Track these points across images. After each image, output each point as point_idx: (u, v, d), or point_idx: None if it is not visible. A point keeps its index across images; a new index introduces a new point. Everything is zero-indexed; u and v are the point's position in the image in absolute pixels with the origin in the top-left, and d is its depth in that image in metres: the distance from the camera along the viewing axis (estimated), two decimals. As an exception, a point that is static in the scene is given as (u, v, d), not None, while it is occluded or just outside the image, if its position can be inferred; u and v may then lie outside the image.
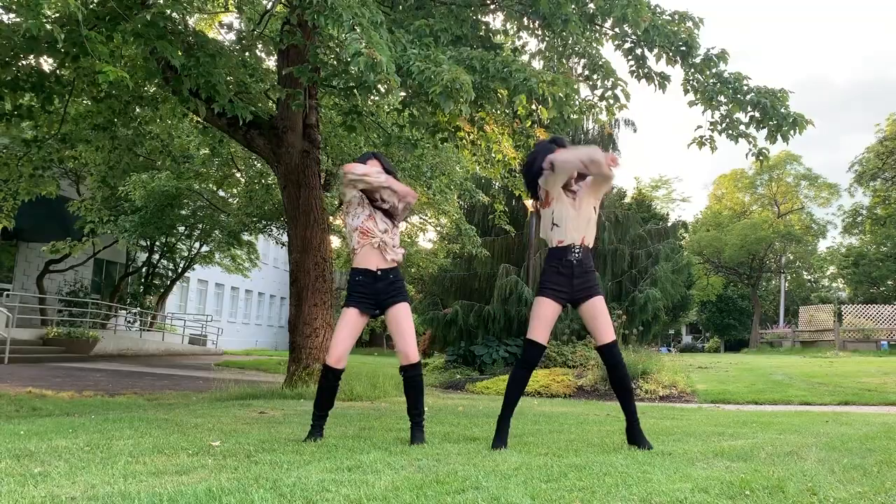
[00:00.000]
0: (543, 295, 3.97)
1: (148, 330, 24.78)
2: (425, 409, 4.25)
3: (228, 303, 36.00)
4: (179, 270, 25.92)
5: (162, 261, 25.60)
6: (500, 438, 3.95)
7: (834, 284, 51.21)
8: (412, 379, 4.13)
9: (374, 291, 4.10)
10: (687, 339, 55.82)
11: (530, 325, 4.00)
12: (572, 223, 4.00)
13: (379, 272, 4.12)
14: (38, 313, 20.52)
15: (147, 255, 24.82)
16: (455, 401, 8.75)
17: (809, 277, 52.83)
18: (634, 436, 3.99)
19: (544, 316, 3.96)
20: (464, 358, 15.95)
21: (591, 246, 4.08)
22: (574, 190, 4.09)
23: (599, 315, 3.97)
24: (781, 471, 3.05)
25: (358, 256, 4.14)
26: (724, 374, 13.62)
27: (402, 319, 4.09)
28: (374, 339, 35.74)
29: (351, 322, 4.08)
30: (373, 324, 26.10)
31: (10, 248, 21.41)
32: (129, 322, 24.79)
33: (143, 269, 25.55)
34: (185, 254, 25.12)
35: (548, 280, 3.99)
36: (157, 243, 23.97)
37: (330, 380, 4.11)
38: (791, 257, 47.32)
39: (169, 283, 26.37)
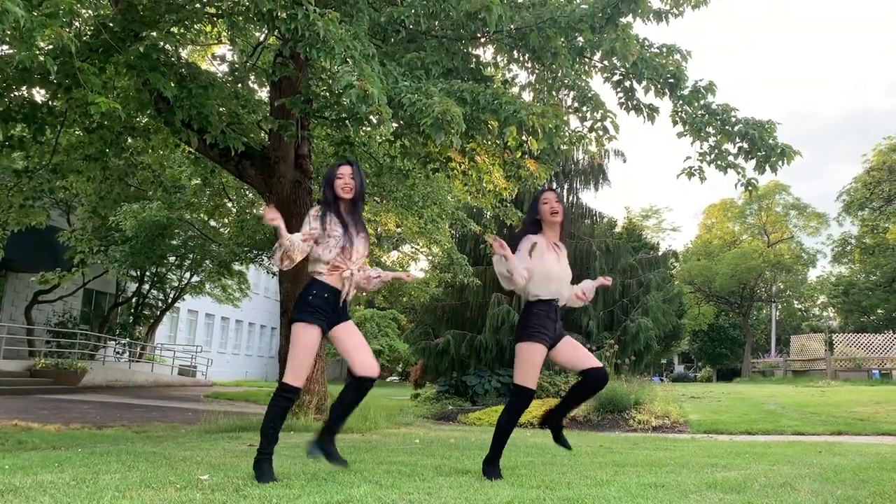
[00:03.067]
0: (537, 341, 3.97)
1: (137, 361, 24.56)
2: (416, 441, 4.21)
3: (218, 333, 35.76)
4: (169, 301, 25.76)
5: (152, 291, 25.44)
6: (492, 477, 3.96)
7: (825, 313, 51.44)
8: (364, 391, 3.94)
9: (335, 311, 3.92)
10: (679, 368, 55.74)
11: (524, 370, 3.98)
12: (555, 283, 4.08)
13: (341, 292, 3.96)
14: (26, 344, 20.32)
15: (137, 285, 24.68)
16: (447, 432, 8.67)
17: (800, 306, 53.04)
18: (558, 423, 4.23)
19: (537, 362, 4.00)
20: (456, 388, 15.84)
21: None
22: (557, 245, 4.20)
23: (576, 345, 4.11)
24: (775, 503, 3.03)
25: (326, 275, 3.96)
26: (717, 403, 13.57)
27: (357, 332, 3.97)
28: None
29: (315, 341, 3.87)
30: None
31: (-2, 279, 21.27)
32: (118, 353, 24.56)
33: (133, 300, 25.38)
34: (176, 284, 24.99)
35: (540, 326, 4.01)
36: (148, 273, 23.85)
37: (292, 401, 3.90)
38: (782, 286, 47.54)
39: (159, 313, 26.20)
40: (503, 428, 4.06)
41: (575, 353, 4.07)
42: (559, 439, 4.24)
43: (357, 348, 3.93)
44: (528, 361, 3.97)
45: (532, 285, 4.04)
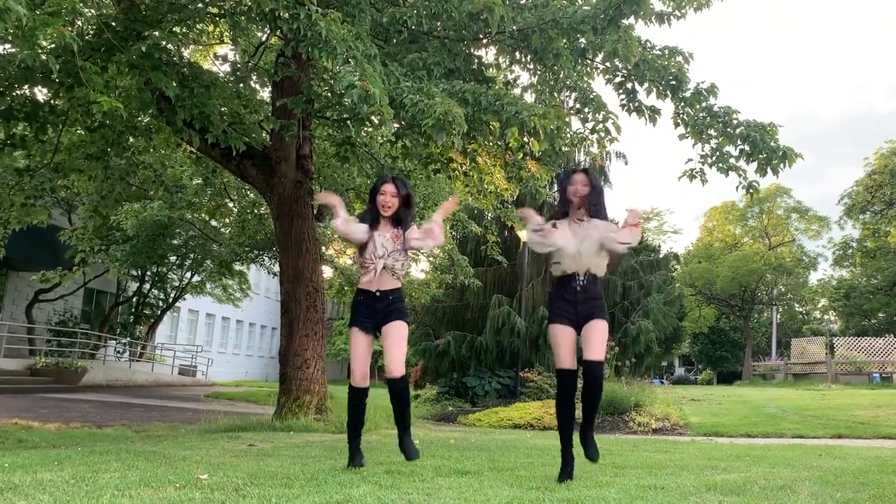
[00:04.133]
0: (553, 322, 4.05)
1: (137, 360, 24.56)
2: (416, 441, 4.23)
3: (219, 333, 35.77)
4: (170, 300, 25.76)
5: (153, 290, 25.44)
6: (566, 471, 3.95)
7: (825, 317, 51.37)
8: (397, 393, 4.22)
9: (372, 311, 4.19)
10: (679, 371, 55.70)
11: (554, 352, 4.08)
12: (572, 259, 4.05)
13: (378, 293, 4.20)
14: (27, 343, 20.33)
15: (138, 284, 24.68)
16: (447, 433, 8.67)
17: (801, 310, 52.98)
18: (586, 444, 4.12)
19: (561, 342, 4.02)
20: (456, 389, 15.84)
21: (599, 275, 4.12)
22: (581, 219, 4.12)
23: (593, 332, 3.98)
24: (775, 505, 3.03)
25: (361, 278, 4.29)
26: (717, 406, 13.56)
27: (395, 336, 4.16)
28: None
29: (360, 342, 4.20)
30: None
31: (-1, 278, 21.29)
32: (118, 352, 24.57)
33: (134, 299, 25.39)
34: (176, 283, 24.99)
35: (554, 306, 4.08)
36: (148, 273, 23.86)
37: (355, 399, 4.24)
38: (783, 289, 47.49)
39: (159, 312, 26.21)
40: (558, 412, 4.11)
41: (585, 338, 4.01)
42: (591, 455, 4.11)
43: (387, 350, 4.19)
44: (554, 344, 4.06)
45: (555, 266, 4.12)
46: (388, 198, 4.21)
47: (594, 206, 4.13)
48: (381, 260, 4.17)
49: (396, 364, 4.14)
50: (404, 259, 4.26)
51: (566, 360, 4.01)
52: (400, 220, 4.28)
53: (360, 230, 4.25)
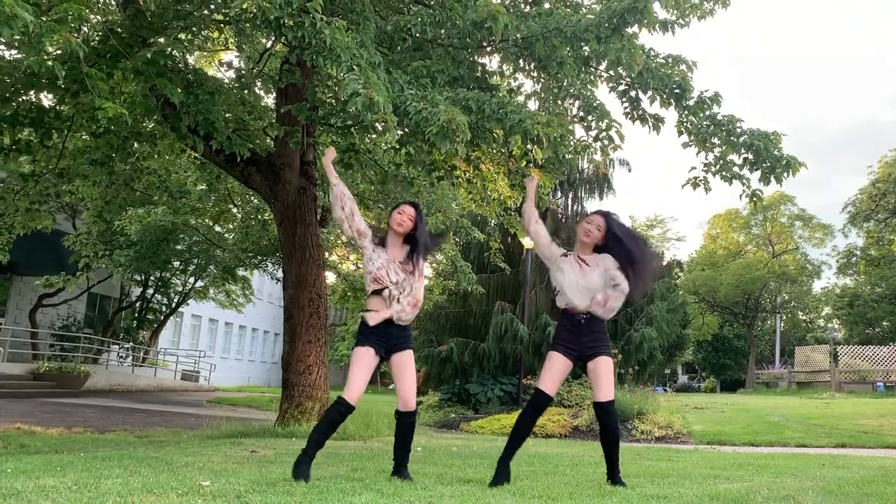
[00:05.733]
0: (555, 349, 4.17)
1: (140, 365, 24.57)
2: (419, 448, 4.23)
3: (222, 338, 35.78)
4: (173, 305, 25.79)
5: (156, 295, 25.48)
6: (499, 477, 4.06)
7: (829, 325, 51.19)
8: (409, 426, 4.21)
9: (386, 335, 4.12)
10: (683, 378, 55.54)
11: (541, 374, 4.20)
12: (577, 293, 4.17)
13: (391, 319, 4.13)
14: (30, 347, 20.35)
15: (141, 289, 24.72)
16: (449, 440, 8.66)
17: (805, 318, 52.83)
18: (614, 480, 4.19)
19: (551, 368, 4.15)
20: (458, 396, 15.82)
21: (601, 316, 4.23)
22: (583, 259, 4.24)
23: (602, 374, 4.12)
24: (778, 516, 3.02)
25: (370, 302, 4.18)
26: (721, 415, 13.53)
27: (409, 366, 4.17)
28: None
29: (367, 362, 4.09)
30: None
31: (3, 282, 21.32)
32: (121, 357, 24.59)
33: (137, 304, 25.42)
34: (180, 289, 25.02)
35: (558, 336, 4.21)
36: (152, 278, 23.89)
37: (341, 414, 4.07)
38: (786, 297, 47.37)
39: (162, 318, 26.23)
40: (516, 424, 4.23)
41: (595, 381, 4.15)
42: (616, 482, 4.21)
43: (400, 379, 4.17)
44: (545, 367, 4.17)
45: (559, 297, 4.26)
46: (405, 217, 4.19)
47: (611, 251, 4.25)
48: (396, 286, 4.12)
49: (412, 396, 4.13)
50: (419, 285, 4.22)
51: (549, 386, 4.13)
52: (411, 249, 4.24)
53: (359, 218, 4.24)
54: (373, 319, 4.09)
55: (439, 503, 3.26)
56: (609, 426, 4.15)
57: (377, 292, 4.13)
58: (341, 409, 4.04)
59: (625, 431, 10.57)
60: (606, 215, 4.30)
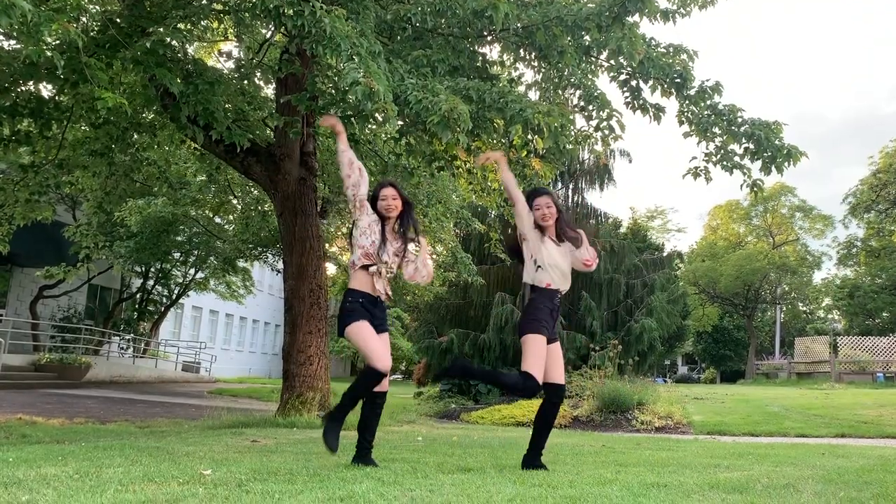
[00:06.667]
0: (539, 332, 4.11)
1: (141, 356, 24.60)
2: (419, 438, 4.24)
3: (222, 329, 35.81)
4: (174, 297, 25.80)
5: (156, 287, 25.48)
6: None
7: (829, 316, 51.29)
8: (378, 406, 4.28)
9: (371, 315, 4.17)
10: (683, 369, 55.66)
11: (530, 361, 4.08)
12: (558, 274, 4.23)
13: (378, 298, 4.23)
14: (31, 339, 20.38)
15: (142, 281, 24.73)
16: (449, 430, 8.68)
17: (805, 309, 52.90)
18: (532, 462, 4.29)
19: (542, 354, 4.10)
20: (459, 387, 15.83)
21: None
22: (554, 240, 4.31)
23: (559, 357, 4.25)
24: (778, 504, 3.03)
25: (356, 278, 4.19)
26: (721, 405, 13.54)
27: (387, 346, 4.22)
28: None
29: (374, 332, 4.12)
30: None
31: (3, 273, 21.32)
32: (122, 348, 24.62)
33: (138, 295, 25.43)
34: (180, 280, 25.03)
35: (543, 318, 4.15)
36: (152, 269, 23.89)
37: (377, 382, 4.12)
38: (786, 288, 47.41)
39: (163, 309, 26.25)
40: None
41: (552, 363, 4.18)
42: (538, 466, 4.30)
43: None
44: (532, 353, 4.09)
45: (541, 272, 4.21)
46: (391, 200, 4.26)
47: (562, 228, 4.35)
48: (386, 266, 4.21)
49: (386, 378, 4.19)
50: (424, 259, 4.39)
51: (550, 373, 4.17)
52: (404, 228, 4.34)
53: (365, 188, 4.26)
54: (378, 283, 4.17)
55: (440, 491, 3.27)
56: (556, 406, 4.26)
57: (365, 267, 4.17)
58: (375, 378, 4.09)
59: (625, 421, 10.59)
60: (546, 192, 4.43)
